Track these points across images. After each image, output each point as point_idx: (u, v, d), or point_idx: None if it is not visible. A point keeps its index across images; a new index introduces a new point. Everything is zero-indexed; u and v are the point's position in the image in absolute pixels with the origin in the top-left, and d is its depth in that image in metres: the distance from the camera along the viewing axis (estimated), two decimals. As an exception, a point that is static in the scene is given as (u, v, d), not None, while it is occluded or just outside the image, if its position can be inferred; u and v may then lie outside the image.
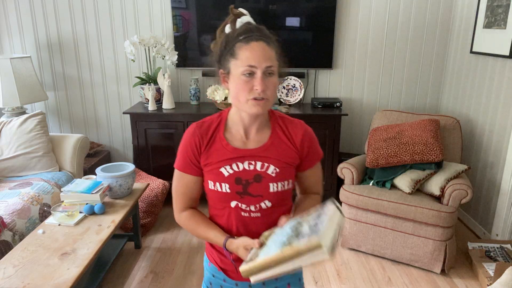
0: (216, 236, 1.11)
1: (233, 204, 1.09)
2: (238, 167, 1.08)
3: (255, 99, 1.01)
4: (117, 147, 3.54)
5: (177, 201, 1.16)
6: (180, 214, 1.16)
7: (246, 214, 1.10)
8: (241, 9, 1.08)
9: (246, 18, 1.07)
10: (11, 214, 2.14)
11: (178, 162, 1.12)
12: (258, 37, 1.01)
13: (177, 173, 1.13)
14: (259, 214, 1.10)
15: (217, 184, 1.08)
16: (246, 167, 1.08)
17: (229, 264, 1.14)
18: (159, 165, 3.07)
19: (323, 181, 1.30)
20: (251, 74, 0.99)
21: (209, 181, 1.09)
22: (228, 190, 1.07)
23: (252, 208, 1.09)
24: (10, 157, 2.64)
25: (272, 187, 1.08)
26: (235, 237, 1.12)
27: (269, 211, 1.10)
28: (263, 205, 1.09)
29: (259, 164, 1.08)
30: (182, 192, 1.14)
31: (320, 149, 1.19)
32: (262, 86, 0.99)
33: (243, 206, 1.09)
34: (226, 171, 1.07)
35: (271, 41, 1.03)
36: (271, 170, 1.08)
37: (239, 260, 1.10)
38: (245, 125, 1.10)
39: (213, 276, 1.19)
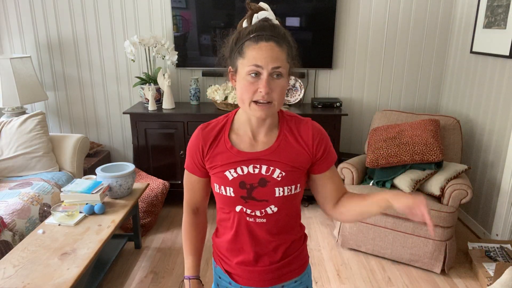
0: (188, 265, 1.16)
1: (238, 208, 1.06)
2: (242, 171, 1.03)
3: (258, 102, 0.96)
4: (117, 147, 3.54)
5: (185, 198, 1.16)
6: (185, 214, 1.17)
7: (251, 220, 1.06)
8: (261, 3, 1.02)
9: (264, 13, 1.00)
10: (11, 214, 2.14)
11: (186, 162, 1.11)
12: (268, 37, 0.95)
13: (185, 172, 1.13)
14: (264, 220, 1.06)
15: (222, 187, 1.04)
16: (251, 171, 1.03)
17: (234, 267, 1.13)
18: (159, 165, 3.07)
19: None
20: (257, 74, 0.95)
21: (215, 184, 1.07)
22: (233, 194, 1.04)
23: (258, 213, 1.05)
24: (10, 157, 2.64)
25: (278, 192, 1.03)
26: (200, 279, 1.17)
27: (275, 216, 1.06)
28: (268, 210, 1.05)
29: (264, 167, 1.03)
30: (187, 190, 1.15)
31: (334, 151, 1.11)
32: (267, 89, 0.94)
33: (248, 211, 1.05)
34: (230, 174, 1.03)
35: (283, 41, 0.97)
36: (277, 174, 1.02)
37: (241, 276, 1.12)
38: (252, 127, 1.05)
39: (219, 277, 1.18)
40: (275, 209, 1.05)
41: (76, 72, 3.34)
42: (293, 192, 1.04)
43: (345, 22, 3.21)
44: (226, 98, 2.92)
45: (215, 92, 2.98)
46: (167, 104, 3.04)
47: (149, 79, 3.12)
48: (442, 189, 2.36)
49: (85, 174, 2.99)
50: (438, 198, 2.40)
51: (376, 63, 3.31)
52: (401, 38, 3.24)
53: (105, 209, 2.18)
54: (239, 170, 1.03)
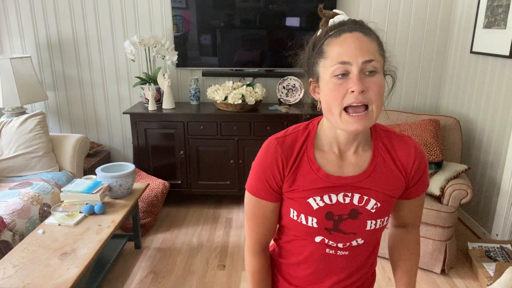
0: None
1: (318, 239, 0.89)
2: (330, 200, 0.85)
3: (351, 112, 0.77)
4: (117, 147, 3.54)
5: (251, 236, 0.94)
6: (252, 258, 0.96)
7: (332, 251, 0.91)
8: (335, 10, 0.87)
9: (340, 17, 0.85)
10: (11, 214, 2.14)
11: (253, 185, 0.89)
12: (352, 28, 0.78)
13: (250, 198, 0.91)
14: (346, 252, 0.91)
15: (302, 216, 0.86)
16: (341, 200, 0.86)
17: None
18: (159, 165, 3.07)
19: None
20: (345, 74, 0.76)
21: (292, 210, 0.88)
22: (315, 225, 0.86)
23: (340, 245, 0.90)
24: (10, 157, 2.64)
25: (370, 225, 0.87)
26: None
27: (359, 249, 0.92)
28: (354, 242, 0.89)
29: (356, 197, 0.85)
30: (257, 224, 0.92)
31: (428, 177, 0.95)
32: (360, 86, 0.74)
33: (330, 243, 0.89)
34: (315, 203, 0.85)
35: (371, 32, 0.80)
36: (371, 205, 0.86)
37: None
38: (340, 144, 0.87)
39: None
40: (361, 242, 0.90)
41: (76, 72, 3.34)
42: (384, 223, 0.89)
43: (345, 22, 3.21)
44: (226, 98, 2.92)
45: (215, 92, 2.98)
46: (167, 104, 3.04)
47: (149, 79, 3.12)
48: (442, 189, 2.36)
49: (85, 174, 3.00)
50: (438, 198, 2.40)
51: (376, 63, 3.30)
52: (401, 38, 3.24)
53: (105, 209, 2.18)
54: (326, 198, 0.85)
